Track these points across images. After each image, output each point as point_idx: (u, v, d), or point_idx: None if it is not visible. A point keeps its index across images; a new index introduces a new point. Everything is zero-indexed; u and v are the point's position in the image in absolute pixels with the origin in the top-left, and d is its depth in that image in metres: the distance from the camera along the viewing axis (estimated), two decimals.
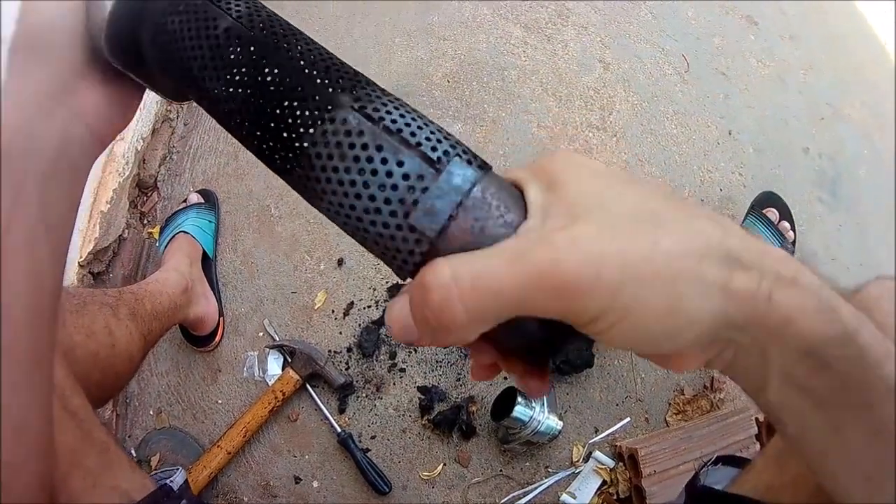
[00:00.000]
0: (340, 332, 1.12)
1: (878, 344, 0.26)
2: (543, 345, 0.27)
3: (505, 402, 0.99)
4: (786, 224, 1.17)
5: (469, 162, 0.25)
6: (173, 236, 1.10)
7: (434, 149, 0.25)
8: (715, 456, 0.73)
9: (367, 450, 1.05)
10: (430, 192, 0.24)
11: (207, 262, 1.14)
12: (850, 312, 0.26)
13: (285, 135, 0.26)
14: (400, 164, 0.25)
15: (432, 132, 0.26)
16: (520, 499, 1.04)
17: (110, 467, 0.48)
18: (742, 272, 0.23)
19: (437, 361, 1.10)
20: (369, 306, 1.13)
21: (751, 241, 0.24)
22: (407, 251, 0.25)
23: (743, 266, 0.23)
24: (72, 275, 1.05)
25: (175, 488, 0.52)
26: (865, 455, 0.27)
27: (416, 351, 1.10)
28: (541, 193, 0.25)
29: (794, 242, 1.18)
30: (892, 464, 0.26)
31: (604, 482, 1.04)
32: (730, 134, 1.34)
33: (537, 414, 0.98)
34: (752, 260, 0.23)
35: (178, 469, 0.55)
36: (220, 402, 1.10)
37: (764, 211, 1.17)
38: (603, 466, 1.05)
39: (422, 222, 0.24)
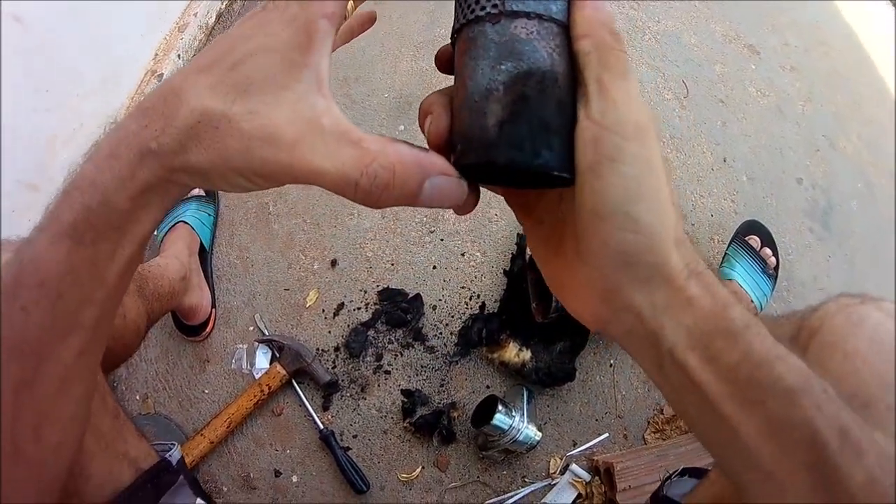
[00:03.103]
0: (329, 332, 1.14)
1: (770, 346, 0.28)
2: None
3: (486, 410, 1.00)
4: (768, 250, 1.19)
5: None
6: (173, 225, 1.13)
7: None
8: (681, 468, 0.75)
9: (348, 448, 1.07)
10: None
11: (204, 254, 1.16)
12: (740, 314, 0.29)
13: None
14: None
15: None
16: None
17: (121, 433, 0.50)
18: (683, 248, 0.29)
19: (421, 366, 1.12)
20: (359, 308, 1.15)
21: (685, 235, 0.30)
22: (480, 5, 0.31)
23: (685, 246, 0.29)
24: None
25: (174, 463, 0.54)
26: (762, 453, 0.28)
27: (401, 355, 1.12)
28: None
29: (776, 268, 1.20)
30: (793, 462, 0.27)
31: (579, 495, 1.05)
32: (725, 161, 1.36)
33: (517, 423, 1.00)
34: (688, 244, 0.30)
35: (174, 444, 0.56)
36: (206, 391, 1.12)
37: (746, 238, 1.19)
38: (579, 479, 1.06)
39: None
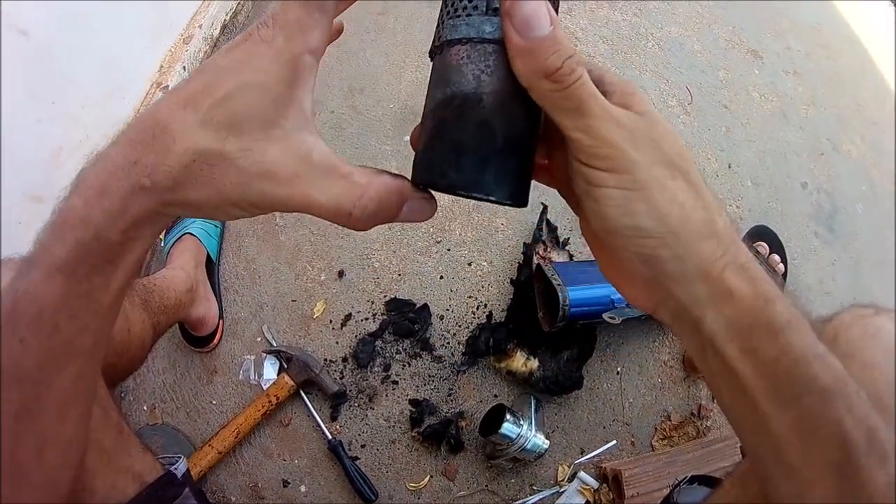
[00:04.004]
0: (337, 342, 1.14)
1: (810, 343, 0.28)
2: None
3: (494, 419, 1.01)
4: (776, 257, 1.19)
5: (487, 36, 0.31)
6: (180, 237, 1.13)
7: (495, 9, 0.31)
8: (690, 475, 0.75)
9: (356, 458, 1.07)
10: (472, 19, 0.31)
11: (211, 266, 1.16)
12: (784, 308, 0.29)
13: None
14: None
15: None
16: None
17: (125, 448, 0.50)
18: (714, 240, 0.29)
19: (429, 376, 1.12)
20: (366, 318, 1.16)
21: (729, 226, 0.30)
22: (437, 35, 0.33)
23: (718, 238, 0.30)
24: None
25: (179, 476, 0.54)
26: (791, 448, 0.28)
27: (409, 365, 1.12)
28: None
29: (784, 275, 1.20)
30: (820, 461, 0.27)
31: (587, 502, 1.06)
32: (729, 167, 1.36)
33: (525, 431, 1.00)
34: (725, 237, 0.30)
35: (180, 457, 0.56)
36: (214, 402, 1.12)
37: (755, 245, 1.20)
38: (587, 487, 1.06)
39: (447, 30, 0.32)
